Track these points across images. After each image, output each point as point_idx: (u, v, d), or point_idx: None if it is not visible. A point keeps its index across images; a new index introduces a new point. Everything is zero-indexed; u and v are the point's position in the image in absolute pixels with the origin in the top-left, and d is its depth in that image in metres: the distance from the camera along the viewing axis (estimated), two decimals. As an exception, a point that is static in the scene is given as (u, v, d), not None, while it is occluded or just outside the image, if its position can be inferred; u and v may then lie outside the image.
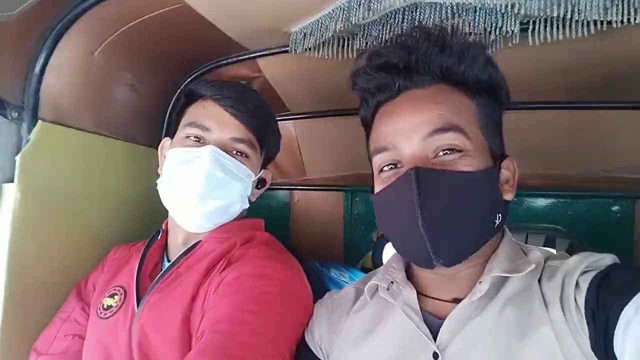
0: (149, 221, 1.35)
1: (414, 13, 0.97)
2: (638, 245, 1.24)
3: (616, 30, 0.89)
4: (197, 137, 1.05)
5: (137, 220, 1.34)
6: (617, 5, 0.85)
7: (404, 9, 0.97)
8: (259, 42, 1.23)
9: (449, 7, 0.94)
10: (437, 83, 0.78)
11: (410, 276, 0.85)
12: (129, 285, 1.06)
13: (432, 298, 0.79)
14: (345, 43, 1.11)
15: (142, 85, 1.29)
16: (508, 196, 0.79)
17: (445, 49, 0.76)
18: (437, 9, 0.95)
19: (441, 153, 0.73)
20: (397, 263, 0.88)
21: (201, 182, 1.00)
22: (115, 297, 1.05)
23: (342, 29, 1.01)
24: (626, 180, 1.25)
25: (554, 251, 0.82)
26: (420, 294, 0.80)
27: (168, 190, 1.06)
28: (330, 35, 1.05)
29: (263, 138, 1.11)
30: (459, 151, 0.73)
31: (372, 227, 1.53)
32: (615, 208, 1.27)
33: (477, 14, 0.94)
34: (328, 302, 0.95)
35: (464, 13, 0.94)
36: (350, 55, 1.11)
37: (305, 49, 1.12)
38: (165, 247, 1.15)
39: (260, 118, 1.09)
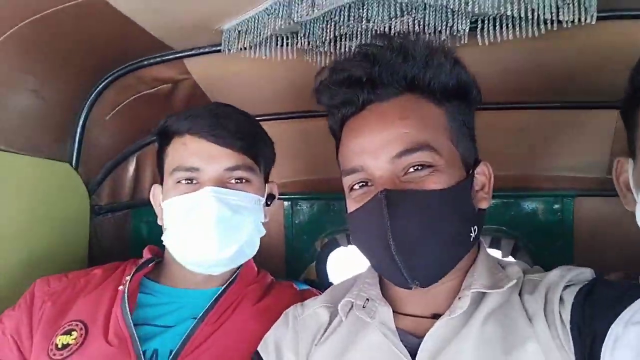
0: (62, 243, 1.18)
1: (360, 10, 0.90)
2: (578, 242, 1.26)
3: (563, 31, 0.88)
4: (189, 179, 0.94)
5: (48, 243, 1.16)
6: (569, 4, 0.82)
7: (350, 5, 0.90)
8: (186, 40, 1.10)
9: (398, 5, 0.87)
10: (402, 94, 0.74)
11: (385, 291, 0.81)
12: (93, 320, 0.92)
13: (409, 315, 0.76)
14: (284, 42, 1.01)
15: (47, 90, 1.11)
16: (483, 204, 0.77)
17: (409, 59, 0.73)
18: (386, 6, 0.88)
19: (411, 169, 0.71)
20: (372, 277, 0.84)
21: (213, 229, 0.91)
22: (73, 333, 0.90)
23: (281, 26, 0.92)
24: (566, 179, 1.26)
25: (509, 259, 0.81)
26: (395, 312, 0.76)
27: (180, 245, 0.96)
28: (268, 33, 0.95)
29: (257, 154, 1.00)
30: (430, 166, 0.70)
31: (315, 236, 1.45)
32: (556, 206, 1.28)
33: (427, 11, 0.88)
34: (293, 322, 0.86)
35: (414, 11, 0.88)
36: (290, 56, 1.02)
37: (240, 49, 1.02)
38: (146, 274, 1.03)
39: (247, 135, 0.98)
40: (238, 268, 1.03)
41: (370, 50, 0.75)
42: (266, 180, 1.08)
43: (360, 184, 0.74)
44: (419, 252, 0.68)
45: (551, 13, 0.83)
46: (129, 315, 0.91)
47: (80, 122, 1.21)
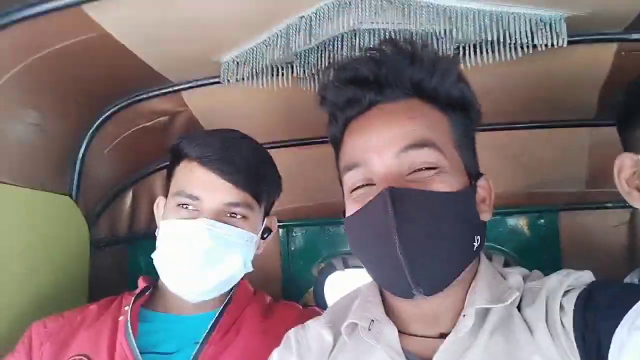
0: (63, 278, 1.18)
1: (353, 39, 0.97)
2: (565, 254, 1.32)
3: (537, 55, 0.96)
4: (189, 206, 0.97)
5: (50, 279, 1.15)
6: (542, 29, 0.91)
7: (343, 35, 0.97)
8: (184, 73, 1.15)
9: (387, 33, 0.95)
10: (408, 97, 0.75)
11: (388, 310, 0.78)
12: (96, 352, 0.93)
13: (415, 335, 0.73)
14: (280, 72, 1.07)
15: (49, 124, 1.14)
16: (485, 217, 0.76)
17: (415, 62, 0.74)
18: (376, 34, 0.95)
19: (415, 170, 0.69)
20: (374, 296, 0.80)
21: (199, 260, 0.93)
22: None
23: (279, 56, 0.98)
24: (549, 194, 1.33)
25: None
26: (401, 332, 0.73)
27: (165, 266, 0.99)
28: (266, 64, 1.01)
29: (260, 191, 1.02)
30: (435, 168, 0.69)
31: (311, 262, 1.48)
32: (541, 222, 1.35)
33: (415, 39, 0.95)
34: (297, 346, 0.83)
35: (402, 39, 0.95)
36: (286, 85, 1.07)
37: (238, 80, 1.07)
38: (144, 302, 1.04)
39: (253, 173, 1.00)
40: (231, 289, 1.05)
41: (377, 52, 0.75)
42: (267, 213, 1.10)
43: (362, 185, 0.72)
44: (425, 254, 0.66)
45: (527, 37, 0.91)
46: (135, 344, 0.92)
47: (80, 155, 1.23)
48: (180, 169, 1.01)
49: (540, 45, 0.92)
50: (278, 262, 1.48)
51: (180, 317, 1.02)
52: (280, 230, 1.49)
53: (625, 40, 0.98)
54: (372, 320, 0.75)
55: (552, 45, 0.91)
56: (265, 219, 1.09)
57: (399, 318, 0.75)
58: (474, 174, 0.76)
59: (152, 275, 1.07)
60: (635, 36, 0.97)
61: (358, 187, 0.73)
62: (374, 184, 0.71)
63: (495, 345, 0.66)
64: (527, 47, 0.94)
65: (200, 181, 0.96)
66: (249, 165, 0.99)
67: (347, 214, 0.75)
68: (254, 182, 1.00)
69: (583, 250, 1.29)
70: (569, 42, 0.93)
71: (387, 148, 0.70)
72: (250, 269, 1.04)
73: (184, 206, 0.97)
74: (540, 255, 1.33)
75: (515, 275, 0.75)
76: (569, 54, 1.00)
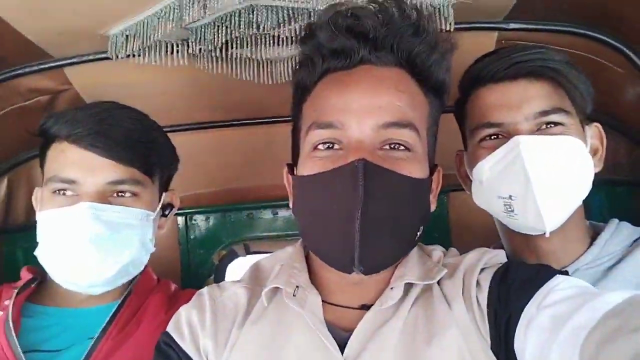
0: None
1: (250, 15, 0.94)
2: (454, 231, 1.43)
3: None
4: (66, 191, 0.86)
5: None
6: (431, 14, 0.94)
7: (240, 11, 0.94)
8: (67, 47, 1.05)
9: (285, 11, 0.93)
10: (399, 67, 0.71)
11: (313, 278, 0.76)
12: None
13: (337, 305, 0.73)
14: (175, 49, 1.02)
15: None
16: (432, 207, 0.77)
17: (419, 34, 0.70)
18: (274, 12, 0.94)
19: (388, 146, 0.67)
20: (300, 262, 0.78)
21: (87, 250, 0.83)
22: None
23: (172, 30, 0.93)
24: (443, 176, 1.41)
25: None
26: (324, 301, 0.73)
27: (53, 262, 0.88)
28: (158, 37, 0.95)
29: (150, 165, 0.93)
30: (408, 150, 0.68)
31: (212, 250, 1.44)
32: None
33: (313, 19, 0.95)
34: (211, 304, 0.78)
35: (300, 18, 0.95)
36: (182, 62, 1.02)
37: (128, 55, 1.00)
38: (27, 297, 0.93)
39: (137, 144, 0.90)
40: (133, 279, 0.98)
41: (383, 9, 0.69)
42: (165, 189, 1.02)
43: (327, 145, 0.69)
44: (379, 236, 0.65)
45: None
46: (17, 341, 0.83)
47: None
48: (51, 152, 0.90)
49: (432, 29, 0.97)
50: (176, 250, 1.43)
51: (74, 310, 0.93)
52: (180, 218, 1.43)
53: (504, 30, 1.07)
54: (297, 287, 0.74)
55: (441, 30, 0.96)
56: (164, 194, 1.01)
57: (323, 287, 0.75)
58: (432, 164, 0.76)
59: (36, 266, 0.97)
60: (513, 25, 1.06)
61: (321, 147, 0.69)
62: (341, 149, 0.68)
63: (414, 318, 0.68)
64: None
65: (74, 162, 0.87)
66: (130, 137, 0.90)
67: (303, 172, 0.71)
68: (140, 155, 0.91)
69: (468, 227, 1.40)
70: (456, 29, 0.98)
71: (369, 118, 0.66)
72: (152, 249, 0.97)
73: (60, 192, 0.87)
74: (432, 232, 1.41)
75: (437, 251, 0.79)
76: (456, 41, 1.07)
